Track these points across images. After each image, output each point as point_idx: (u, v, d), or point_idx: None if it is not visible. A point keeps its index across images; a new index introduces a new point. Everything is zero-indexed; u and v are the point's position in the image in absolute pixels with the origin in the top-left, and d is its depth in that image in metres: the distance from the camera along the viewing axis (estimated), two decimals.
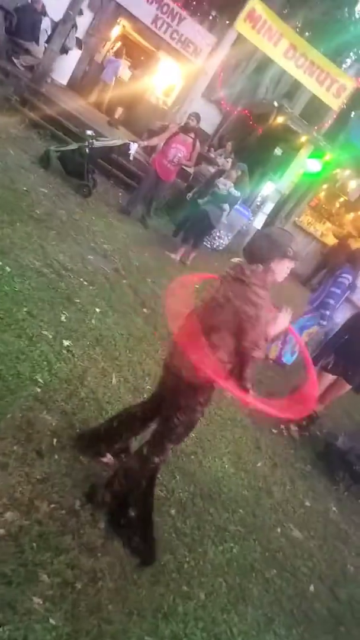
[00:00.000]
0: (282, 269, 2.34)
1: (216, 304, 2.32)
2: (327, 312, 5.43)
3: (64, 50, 9.54)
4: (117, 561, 2.32)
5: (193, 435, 3.68)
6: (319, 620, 2.84)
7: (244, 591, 2.66)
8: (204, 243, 8.33)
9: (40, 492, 2.40)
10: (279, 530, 3.34)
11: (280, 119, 10.78)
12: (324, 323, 5.52)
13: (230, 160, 8.25)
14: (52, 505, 2.38)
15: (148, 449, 2.48)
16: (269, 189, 10.98)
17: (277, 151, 11.63)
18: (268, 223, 11.28)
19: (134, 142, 7.27)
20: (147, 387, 3.74)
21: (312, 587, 3.03)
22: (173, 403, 2.42)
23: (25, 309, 3.65)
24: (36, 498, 2.36)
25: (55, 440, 2.77)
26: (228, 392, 2.37)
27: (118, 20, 11.34)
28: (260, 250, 2.32)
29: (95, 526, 2.43)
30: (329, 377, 4.96)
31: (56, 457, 2.67)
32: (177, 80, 11.68)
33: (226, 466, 3.62)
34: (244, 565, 2.84)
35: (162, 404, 2.53)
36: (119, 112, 10.99)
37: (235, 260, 2.43)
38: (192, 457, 3.46)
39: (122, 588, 2.22)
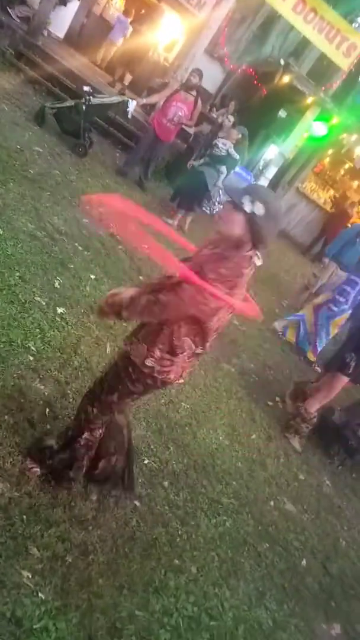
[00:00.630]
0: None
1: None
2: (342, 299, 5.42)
3: (63, 1, 9.02)
4: (108, 535, 2.28)
5: (187, 406, 3.64)
6: (310, 595, 2.85)
7: (235, 565, 2.65)
8: (203, 208, 8.10)
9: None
10: (272, 503, 3.33)
11: (286, 79, 10.33)
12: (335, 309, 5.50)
13: (232, 119, 7.91)
14: (43, 478, 2.32)
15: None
16: (273, 153, 10.63)
17: (282, 113, 11.20)
18: (270, 188, 11.00)
19: (132, 99, 6.94)
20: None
21: (304, 562, 3.04)
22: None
23: (17, 274, 3.52)
24: (27, 469, 2.30)
25: (47, 409, 2.71)
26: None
27: None
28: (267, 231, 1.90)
29: (87, 499, 2.38)
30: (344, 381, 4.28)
31: (48, 427, 2.61)
32: (179, 35, 11.13)
33: (220, 438, 3.59)
34: (237, 538, 2.83)
35: None
36: (119, 73, 10.44)
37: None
38: (187, 428, 3.41)
39: (113, 562, 2.19)
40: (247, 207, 1.82)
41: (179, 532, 2.59)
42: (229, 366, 4.65)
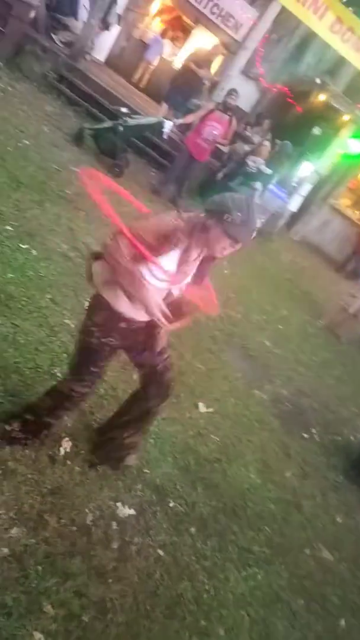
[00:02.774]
0: (216, 238, 1.92)
1: None
2: None
3: (106, 26, 9.17)
4: (129, 589, 2.10)
5: (217, 439, 3.44)
6: None
7: (268, 627, 2.41)
8: None
9: (50, 505, 2.19)
10: (307, 551, 3.07)
11: (321, 97, 10.19)
12: None
13: (267, 140, 7.79)
14: (62, 521, 2.17)
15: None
16: (307, 170, 10.44)
17: (316, 130, 11.01)
18: (304, 205, 10.77)
19: (168, 120, 6.91)
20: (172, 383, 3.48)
21: (342, 622, 2.76)
22: None
23: (48, 296, 3.44)
24: (45, 512, 2.15)
25: (70, 444, 2.55)
26: None
27: None
28: (211, 202, 1.95)
29: (107, 547, 2.21)
30: None
31: (69, 463, 2.46)
32: (217, 55, 11.13)
33: (252, 476, 3.35)
34: (269, 594, 2.59)
35: None
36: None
37: None
38: (216, 464, 3.20)
39: (133, 622, 1.99)
40: None
41: (206, 587, 2.37)
42: (260, 393, 4.42)
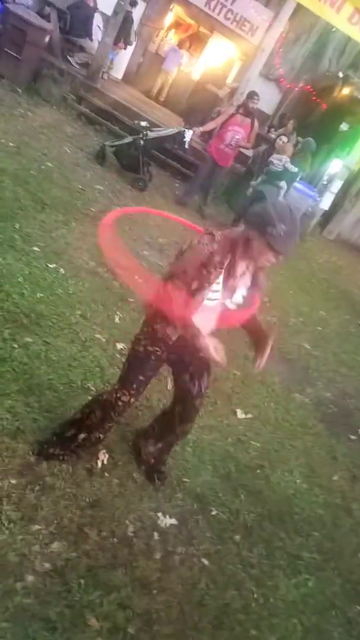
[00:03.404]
0: (259, 250, 1.91)
1: None
2: None
3: (125, 45, 9.38)
4: (174, 600, 2.06)
5: (258, 445, 3.36)
6: None
7: (322, 635, 2.31)
8: None
9: (90, 518, 2.20)
10: None
11: (346, 91, 9.97)
12: None
13: (291, 139, 7.67)
14: (103, 534, 2.17)
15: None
16: (337, 167, 10.21)
17: (344, 126, 10.78)
18: (336, 203, 10.54)
19: (189, 129, 6.94)
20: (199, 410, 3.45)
21: None
22: None
23: (78, 312, 3.49)
24: (85, 525, 2.16)
25: (107, 456, 2.56)
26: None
27: (171, 7, 11.00)
28: (251, 215, 2.01)
29: (150, 557, 2.19)
30: None
31: (107, 475, 2.46)
32: (233, 61, 11.17)
33: (297, 481, 3.25)
34: (322, 601, 2.48)
35: None
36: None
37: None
38: (258, 471, 3.13)
39: (180, 633, 1.96)
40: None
41: (254, 596, 2.31)
42: (302, 397, 4.31)
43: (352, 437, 4.16)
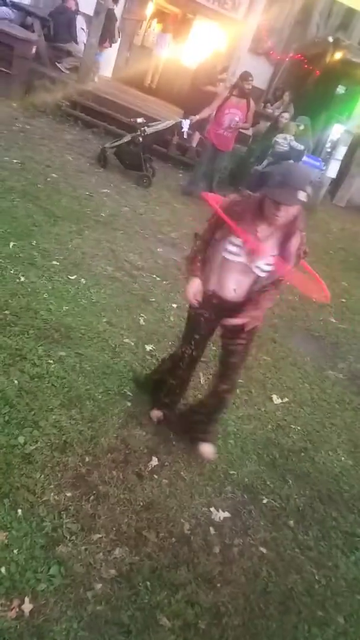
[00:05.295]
0: (267, 206, 2.09)
1: None
2: None
3: (111, 42, 9.32)
4: (239, 591, 2.11)
5: (298, 428, 3.38)
6: None
7: None
8: None
9: (147, 521, 2.26)
10: None
11: (337, 54, 9.71)
12: None
13: (287, 115, 7.53)
14: (161, 534, 2.22)
15: None
16: (338, 132, 9.99)
17: (340, 89, 10.53)
18: (343, 169, 10.33)
19: (185, 119, 6.88)
20: (240, 381, 3.47)
21: None
22: None
23: (104, 319, 3.54)
24: (143, 528, 2.22)
25: (153, 457, 2.61)
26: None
27: None
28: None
29: (209, 552, 2.24)
30: None
31: (156, 477, 2.52)
32: (221, 41, 10.98)
33: (343, 459, 3.27)
34: None
35: None
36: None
37: None
38: (302, 454, 3.15)
39: (249, 623, 2.01)
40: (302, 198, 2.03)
41: (316, 577, 2.34)
42: (335, 373, 4.29)
43: None
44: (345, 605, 2.28)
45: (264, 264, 2.22)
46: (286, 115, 7.10)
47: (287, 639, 2.02)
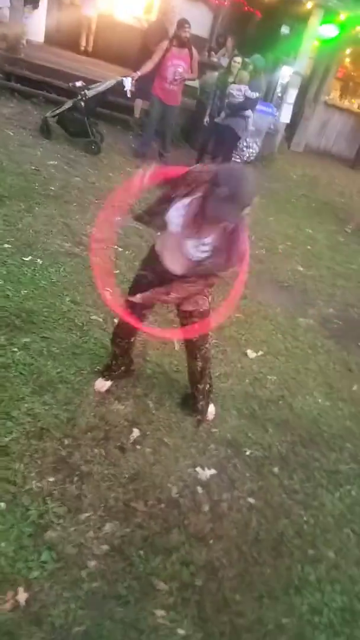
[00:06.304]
0: (209, 205, 1.94)
1: None
2: None
3: (35, 5, 8.72)
4: (231, 545, 2.17)
5: (274, 378, 3.44)
6: None
7: None
8: (234, 159, 7.64)
9: (134, 492, 2.28)
10: None
11: None
12: None
13: (239, 57, 7.25)
14: (149, 503, 2.26)
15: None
16: (287, 74, 9.71)
17: (284, 29, 10.16)
18: (297, 113, 10.13)
19: (126, 76, 6.58)
20: (214, 341, 3.47)
21: None
22: None
23: (68, 299, 3.46)
24: (131, 500, 2.24)
25: (134, 429, 2.62)
26: None
27: None
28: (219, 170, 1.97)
29: (199, 511, 2.29)
30: None
31: (139, 447, 2.53)
32: None
33: (320, 401, 3.35)
34: None
35: None
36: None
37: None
38: (280, 402, 3.21)
39: (244, 573, 2.08)
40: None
41: (305, 519, 2.43)
42: (305, 319, 4.34)
43: None
44: (335, 541, 2.38)
45: (198, 247, 2.07)
46: (238, 59, 6.84)
47: (282, 581, 2.10)
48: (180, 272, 2.20)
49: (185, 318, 2.44)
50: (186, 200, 2.04)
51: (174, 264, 2.21)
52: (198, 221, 2.01)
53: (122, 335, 2.67)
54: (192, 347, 2.58)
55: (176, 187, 2.09)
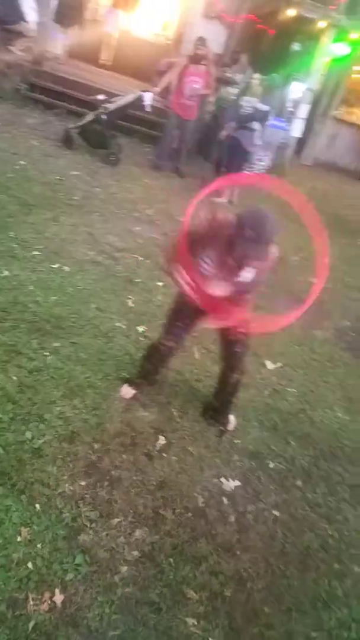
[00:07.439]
0: (239, 254, 2.16)
1: None
2: None
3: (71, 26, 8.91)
4: (258, 556, 2.18)
5: (294, 390, 3.45)
6: None
7: None
8: (245, 172, 7.72)
9: (162, 500, 2.30)
10: None
11: (290, 12, 9.52)
12: None
13: (247, 73, 7.39)
14: (177, 511, 2.27)
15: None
16: (299, 91, 9.89)
17: (296, 47, 10.39)
18: (307, 127, 10.27)
19: (146, 91, 6.71)
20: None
21: None
22: None
23: (93, 305, 3.50)
24: (159, 507, 2.26)
25: (160, 437, 2.64)
26: None
27: None
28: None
29: (225, 522, 2.30)
30: None
31: (165, 455, 2.55)
32: (172, 8, 10.63)
33: (339, 415, 3.36)
34: None
35: None
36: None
37: None
38: (301, 415, 3.22)
39: (272, 585, 2.08)
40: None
41: (329, 532, 2.44)
42: (322, 332, 4.37)
43: None
44: (359, 555, 2.38)
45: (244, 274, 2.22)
46: (256, 76, 6.98)
47: (310, 595, 2.10)
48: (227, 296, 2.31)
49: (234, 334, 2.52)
50: (211, 253, 2.18)
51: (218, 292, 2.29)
52: (229, 263, 2.15)
53: (160, 357, 2.71)
54: (233, 359, 2.63)
55: (199, 243, 2.20)
